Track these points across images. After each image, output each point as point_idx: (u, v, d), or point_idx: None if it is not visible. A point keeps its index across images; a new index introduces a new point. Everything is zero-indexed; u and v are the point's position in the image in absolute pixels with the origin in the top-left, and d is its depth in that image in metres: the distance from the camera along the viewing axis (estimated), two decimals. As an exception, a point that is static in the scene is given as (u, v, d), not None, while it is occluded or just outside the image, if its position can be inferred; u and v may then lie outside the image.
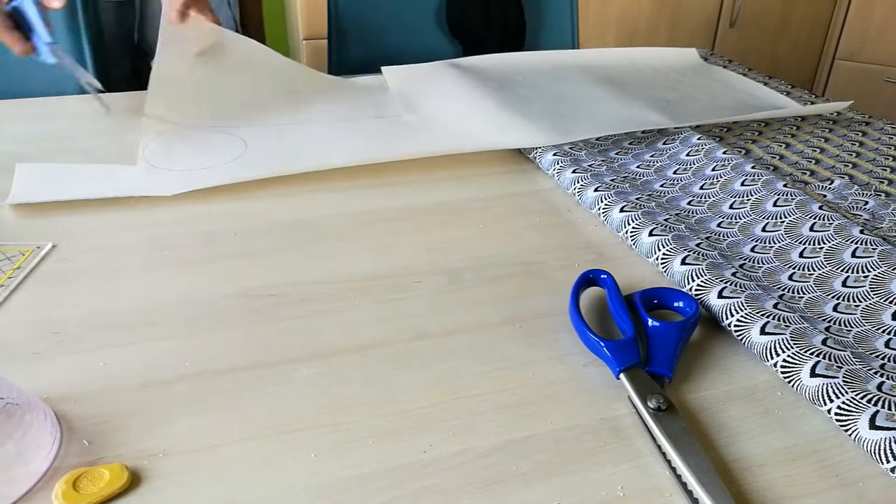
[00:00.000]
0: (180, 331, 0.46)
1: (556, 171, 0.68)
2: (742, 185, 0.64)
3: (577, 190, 0.64)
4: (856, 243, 0.55)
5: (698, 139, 0.74)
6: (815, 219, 0.58)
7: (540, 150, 0.72)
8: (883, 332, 0.46)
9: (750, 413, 0.40)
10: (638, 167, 0.70)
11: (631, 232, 0.56)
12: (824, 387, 0.40)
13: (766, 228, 0.58)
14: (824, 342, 0.43)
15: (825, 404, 0.39)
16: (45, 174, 0.66)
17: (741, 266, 0.53)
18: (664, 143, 0.75)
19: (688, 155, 0.72)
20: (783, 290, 0.51)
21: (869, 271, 0.52)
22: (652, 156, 0.73)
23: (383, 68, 0.93)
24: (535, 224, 0.61)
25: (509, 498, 0.34)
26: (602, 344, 0.43)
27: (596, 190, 0.62)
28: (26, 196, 0.62)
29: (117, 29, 1.20)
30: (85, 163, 0.69)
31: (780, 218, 0.59)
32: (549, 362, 0.44)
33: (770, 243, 0.57)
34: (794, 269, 0.53)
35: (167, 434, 0.38)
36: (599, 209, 0.61)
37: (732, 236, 0.58)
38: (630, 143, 0.76)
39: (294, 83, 0.90)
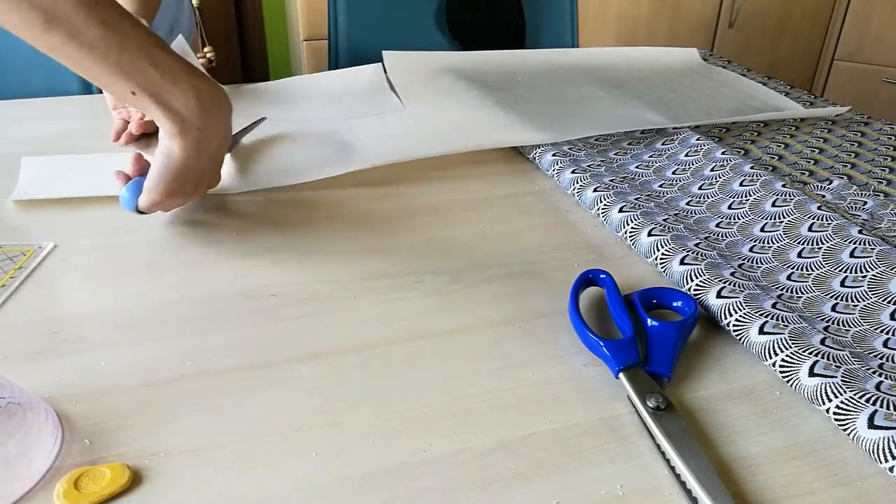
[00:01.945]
0: (181, 330, 0.46)
1: (556, 171, 0.68)
2: (741, 185, 0.65)
3: (576, 190, 0.64)
4: (854, 243, 0.55)
5: (697, 139, 0.74)
6: (813, 219, 0.58)
7: (539, 150, 0.72)
8: (881, 331, 0.46)
9: (749, 412, 0.40)
10: (637, 167, 0.71)
11: (630, 232, 0.57)
12: (823, 386, 0.40)
13: (765, 228, 0.59)
14: (823, 342, 0.43)
15: (824, 403, 0.39)
16: (50, 168, 0.66)
17: (740, 266, 0.54)
18: (663, 144, 0.75)
19: (686, 155, 0.72)
20: (782, 289, 0.51)
21: (867, 271, 0.52)
22: (651, 156, 0.73)
23: (384, 53, 0.93)
24: (535, 224, 0.61)
25: (509, 497, 0.35)
26: (601, 343, 0.43)
27: (595, 190, 0.62)
28: (32, 192, 0.62)
29: None
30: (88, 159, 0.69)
31: (779, 218, 0.59)
32: (548, 362, 0.44)
33: (769, 243, 0.57)
34: (792, 268, 0.53)
35: (168, 433, 0.38)
36: (599, 209, 0.61)
37: (731, 236, 0.58)
38: (629, 144, 0.76)
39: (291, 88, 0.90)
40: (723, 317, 0.46)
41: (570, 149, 0.73)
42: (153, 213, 0.57)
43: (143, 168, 0.59)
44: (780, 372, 0.42)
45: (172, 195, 0.55)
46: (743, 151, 0.75)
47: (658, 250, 0.54)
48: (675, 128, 0.78)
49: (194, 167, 0.54)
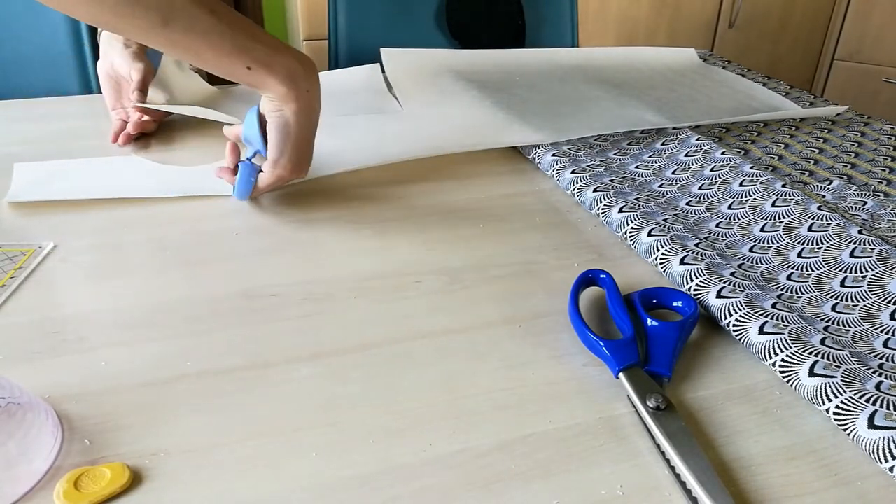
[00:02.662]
0: (181, 330, 0.46)
1: (556, 171, 0.68)
2: (741, 185, 0.65)
3: (576, 190, 0.64)
4: (854, 243, 0.55)
5: (697, 140, 0.74)
6: (813, 219, 0.58)
7: (539, 150, 0.72)
8: (881, 331, 0.46)
9: (748, 412, 0.40)
10: (637, 167, 0.71)
11: (630, 232, 0.57)
12: (823, 386, 0.40)
13: (765, 228, 0.59)
14: (823, 342, 0.43)
15: (824, 404, 0.39)
16: (43, 172, 0.66)
17: (740, 266, 0.54)
18: (662, 144, 0.75)
19: (686, 155, 0.72)
20: (782, 289, 0.51)
21: (867, 271, 0.52)
22: (650, 156, 0.73)
23: (382, 51, 0.93)
24: (535, 224, 0.61)
25: (509, 497, 0.35)
26: (601, 343, 0.43)
27: (595, 190, 0.62)
28: (24, 195, 0.62)
29: None
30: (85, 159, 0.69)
31: (779, 218, 0.59)
32: (548, 362, 0.44)
33: (768, 243, 0.57)
34: (792, 268, 0.53)
35: (168, 433, 0.38)
36: (598, 209, 0.61)
37: (731, 236, 0.58)
38: (629, 144, 0.76)
39: None
40: (723, 317, 0.46)
41: (569, 149, 0.73)
42: (267, 192, 0.63)
43: (238, 157, 0.62)
44: (780, 372, 0.42)
45: (294, 167, 0.59)
46: (743, 151, 0.75)
47: (658, 250, 0.54)
48: (674, 128, 0.78)
49: (309, 130, 0.59)
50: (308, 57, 0.57)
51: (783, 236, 0.57)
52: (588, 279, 0.50)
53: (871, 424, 0.37)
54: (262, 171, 0.60)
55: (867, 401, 0.38)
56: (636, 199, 0.61)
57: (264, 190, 0.62)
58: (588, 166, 0.69)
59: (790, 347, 0.42)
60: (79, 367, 0.42)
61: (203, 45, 0.52)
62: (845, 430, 0.38)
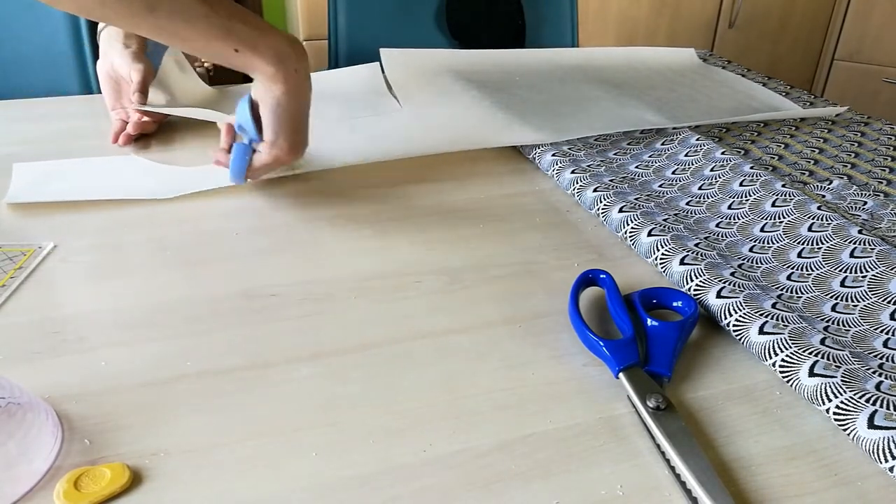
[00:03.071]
0: (181, 330, 0.46)
1: (556, 171, 0.68)
2: (741, 185, 0.65)
3: (576, 190, 0.64)
4: (854, 243, 0.55)
5: (697, 140, 0.74)
6: (813, 219, 0.58)
7: (539, 150, 0.72)
8: (881, 331, 0.46)
9: (748, 412, 0.40)
10: (637, 167, 0.71)
11: (630, 232, 0.57)
12: (823, 386, 0.40)
13: (765, 228, 0.59)
14: (823, 342, 0.43)
15: (824, 403, 0.39)
16: (42, 173, 0.66)
17: (740, 266, 0.54)
18: (662, 144, 0.75)
19: (686, 155, 0.72)
20: (782, 289, 0.51)
21: (867, 271, 0.52)
22: (650, 156, 0.73)
23: (382, 51, 0.93)
24: (535, 224, 0.61)
25: (509, 497, 0.35)
26: (601, 343, 0.43)
27: (595, 190, 0.62)
28: (24, 195, 0.62)
29: None
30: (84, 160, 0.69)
31: (779, 218, 0.59)
32: (548, 362, 0.44)
33: (768, 243, 0.57)
34: (792, 269, 0.53)
35: (168, 433, 0.38)
36: (598, 209, 0.61)
37: (731, 236, 0.58)
38: (629, 144, 0.76)
39: None
40: (723, 317, 0.46)
41: (569, 149, 0.73)
42: (263, 176, 0.62)
43: (234, 138, 0.62)
44: (780, 372, 0.42)
45: (291, 147, 0.58)
46: (743, 151, 0.75)
47: (658, 250, 0.54)
48: (674, 128, 0.78)
49: (301, 111, 0.58)
50: (298, 39, 0.57)
51: (783, 236, 0.57)
52: (588, 279, 0.50)
53: (871, 424, 0.37)
54: (255, 150, 0.60)
55: (867, 401, 0.38)
56: (636, 199, 0.62)
57: (260, 172, 0.61)
58: (588, 166, 0.69)
59: (790, 347, 0.42)
60: (79, 367, 0.42)
61: (189, 29, 0.52)
62: (845, 430, 0.38)
